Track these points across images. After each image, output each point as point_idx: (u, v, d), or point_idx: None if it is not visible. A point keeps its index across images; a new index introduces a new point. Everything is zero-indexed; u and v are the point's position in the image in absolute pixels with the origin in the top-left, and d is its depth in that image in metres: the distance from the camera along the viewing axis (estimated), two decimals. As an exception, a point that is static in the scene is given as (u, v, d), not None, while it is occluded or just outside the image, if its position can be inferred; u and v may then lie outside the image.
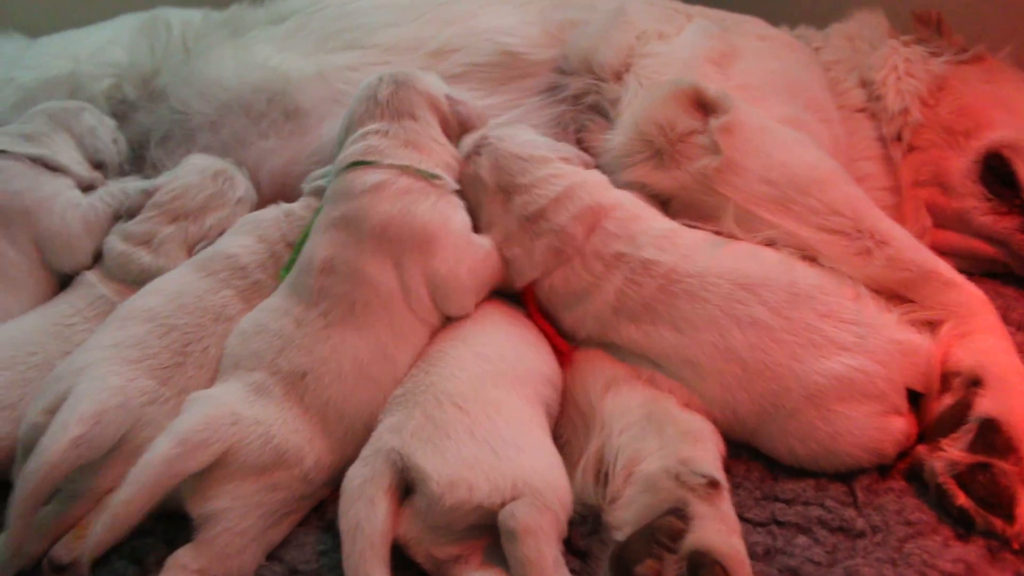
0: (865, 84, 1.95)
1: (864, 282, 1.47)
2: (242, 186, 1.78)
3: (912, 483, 1.35)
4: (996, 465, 1.26)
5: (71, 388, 1.30)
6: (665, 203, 1.62)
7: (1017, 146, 1.86)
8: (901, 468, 1.37)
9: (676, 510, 1.19)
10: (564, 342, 1.51)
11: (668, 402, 1.39)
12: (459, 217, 1.49)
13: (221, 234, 1.66)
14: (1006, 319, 1.59)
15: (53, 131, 1.81)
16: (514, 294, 1.56)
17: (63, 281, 1.70)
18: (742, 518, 1.26)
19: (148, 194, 1.71)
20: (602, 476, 1.32)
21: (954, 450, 1.30)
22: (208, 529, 1.22)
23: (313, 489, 1.32)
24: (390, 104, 1.55)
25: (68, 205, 1.70)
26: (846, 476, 1.36)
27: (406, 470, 1.20)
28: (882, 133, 1.92)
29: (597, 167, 1.64)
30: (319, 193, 1.59)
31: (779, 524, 1.30)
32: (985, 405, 1.33)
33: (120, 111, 2.01)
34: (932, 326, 1.45)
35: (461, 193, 1.53)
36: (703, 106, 1.61)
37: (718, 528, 1.17)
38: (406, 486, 1.21)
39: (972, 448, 1.29)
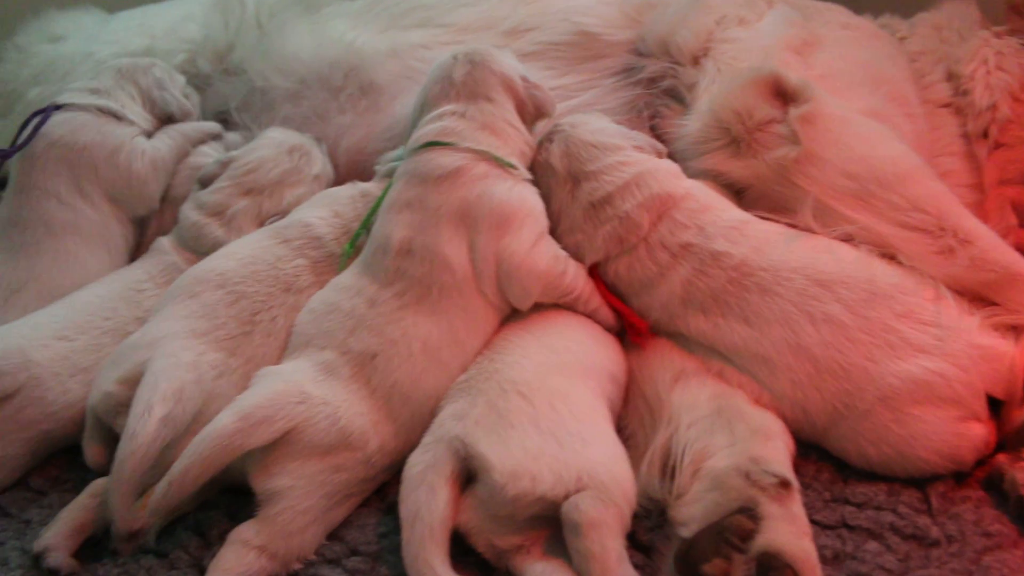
0: (952, 77, 1.88)
1: (945, 282, 1.42)
2: (318, 162, 1.78)
3: (990, 493, 1.31)
4: (1082, 479, 1.22)
5: (145, 361, 1.32)
6: (739, 193, 1.59)
7: (1113, 145, 1.78)
8: (979, 477, 1.33)
9: (746, 509, 1.16)
10: (640, 320, 1.48)
11: (738, 397, 1.37)
12: (536, 201, 1.47)
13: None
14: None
15: (119, 85, 1.86)
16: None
17: (137, 234, 1.78)
18: (811, 520, 1.23)
19: (224, 164, 1.73)
20: (668, 470, 1.30)
21: (1038, 461, 1.25)
22: (271, 506, 1.23)
23: (375, 472, 1.32)
24: (466, 85, 1.53)
25: (133, 152, 1.75)
26: (920, 482, 1.33)
27: (468, 458, 1.20)
28: (967, 129, 1.85)
29: (670, 153, 1.61)
30: (392, 176, 1.58)
31: (849, 528, 1.27)
32: (1072, 415, 1.28)
33: (196, 84, 2.03)
34: (1016, 331, 1.40)
35: (533, 182, 1.51)
36: (783, 95, 1.57)
37: (789, 530, 1.14)
38: (468, 474, 1.21)
39: (1058, 460, 1.24)
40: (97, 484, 1.31)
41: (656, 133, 1.71)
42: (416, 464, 1.21)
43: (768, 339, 1.37)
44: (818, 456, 1.39)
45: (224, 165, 1.72)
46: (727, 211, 1.50)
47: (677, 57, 1.81)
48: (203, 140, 1.85)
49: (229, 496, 1.34)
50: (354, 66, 1.93)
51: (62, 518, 1.28)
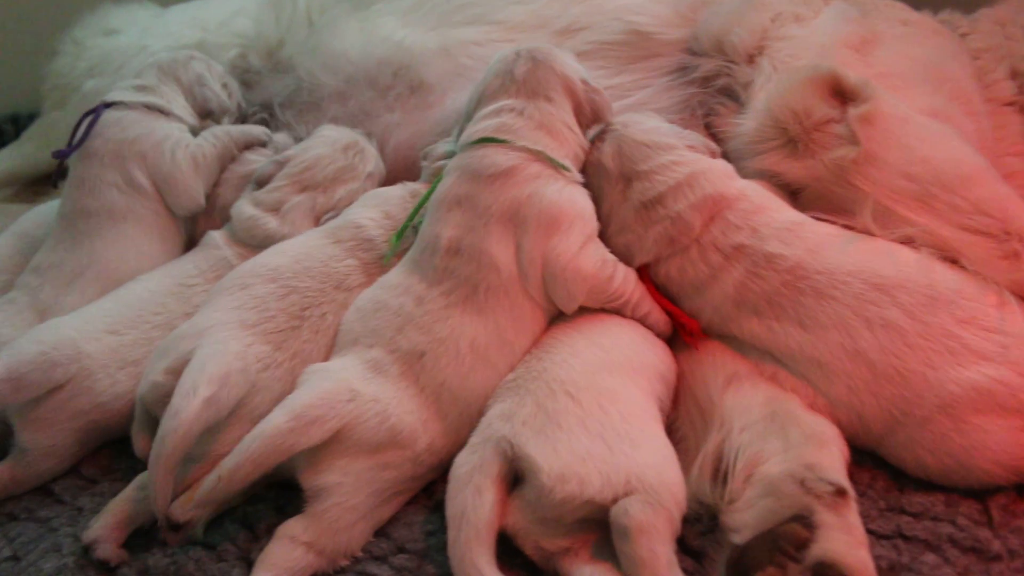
0: (1016, 75, 1.83)
1: (1009, 288, 1.38)
2: (372, 160, 1.80)
3: (1054, 506, 1.27)
4: None
5: (193, 350, 1.33)
6: (794, 194, 1.55)
7: None
8: (1043, 489, 1.29)
9: (801, 517, 1.14)
10: (691, 320, 1.46)
11: (792, 402, 1.34)
12: (586, 204, 1.45)
13: (348, 206, 1.67)
14: None
15: (162, 81, 1.90)
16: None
17: (191, 229, 1.82)
18: (866, 530, 1.19)
19: (280, 164, 1.75)
20: (720, 474, 1.28)
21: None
22: (319, 502, 1.23)
23: (423, 471, 1.32)
24: (527, 82, 1.51)
25: (178, 146, 1.78)
26: (980, 493, 1.29)
27: (516, 460, 1.19)
28: (1033, 128, 1.80)
29: (725, 153, 1.58)
30: (438, 174, 1.57)
31: (905, 539, 1.24)
32: None
33: (246, 80, 2.05)
34: (1084, 340, 1.35)
35: (585, 184, 1.50)
36: (842, 93, 1.53)
37: (846, 539, 1.12)
38: (515, 475, 1.20)
39: None
40: (144, 476, 1.31)
41: (711, 132, 1.69)
42: (463, 464, 1.21)
43: (824, 344, 1.34)
44: (873, 464, 1.35)
45: (280, 165, 1.74)
46: (781, 212, 1.47)
47: (731, 55, 1.78)
48: (249, 145, 1.86)
49: (277, 490, 1.34)
50: (403, 64, 1.93)
51: (110, 510, 1.29)
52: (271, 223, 1.66)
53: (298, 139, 1.89)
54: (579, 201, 1.44)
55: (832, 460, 1.24)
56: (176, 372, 1.32)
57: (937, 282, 1.35)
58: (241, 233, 1.67)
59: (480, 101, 1.54)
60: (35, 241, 1.76)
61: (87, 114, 1.81)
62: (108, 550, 1.25)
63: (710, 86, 1.78)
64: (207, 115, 1.94)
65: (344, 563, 1.23)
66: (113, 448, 1.50)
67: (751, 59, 1.76)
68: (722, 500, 1.25)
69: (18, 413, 1.40)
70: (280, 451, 1.21)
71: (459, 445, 1.27)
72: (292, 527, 1.21)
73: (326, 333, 1.44)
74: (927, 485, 1.31)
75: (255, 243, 1.64)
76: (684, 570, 1.14)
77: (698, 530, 1.25)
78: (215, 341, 1.35)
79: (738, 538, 1.17)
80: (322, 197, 1.69)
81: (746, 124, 1.61)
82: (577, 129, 1.53)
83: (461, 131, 1.55)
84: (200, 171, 1.78)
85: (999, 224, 1.42)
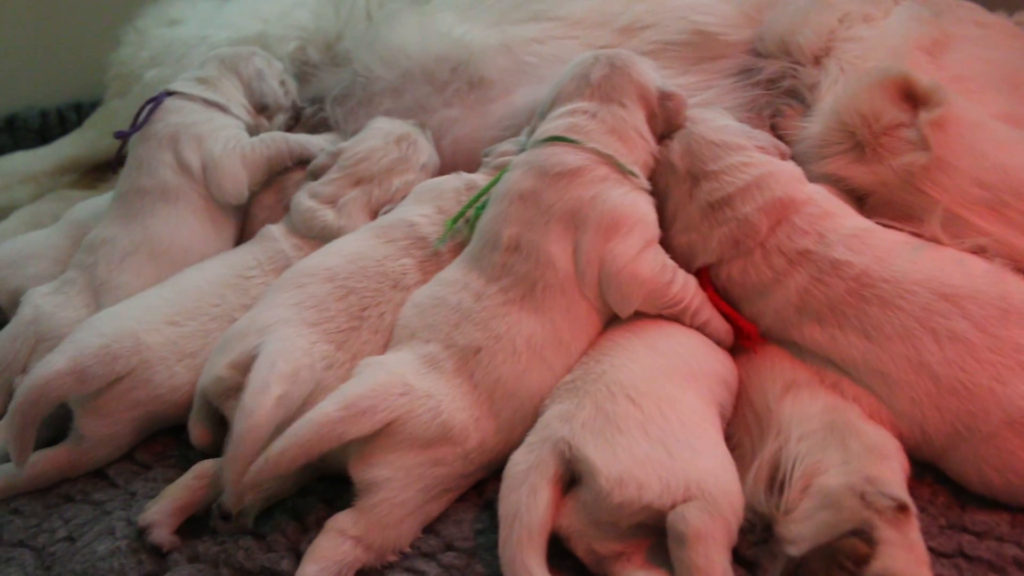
0: (1094, 80, 1.77)
1: (1085, 302, 1.33)
2: (425, 151, 1.80)
3: (1126, 531, 1.22)
4: None
5: (258, 346, 1.33)
6: (861, 199, 1.53)
7: None
8: (1113, 512, 1.25)
9: (860, 532, 1.11)
10: (750, 324, 1.44)
11: (852, 412, 1.31)
12: (648, 210, 1.44)
13: (405, 197, 1.67)
14: None
15: (223, 75, 1.94)
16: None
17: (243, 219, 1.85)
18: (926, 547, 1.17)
19: (334, 156, 1.76)
20: (776, 484, 1.25)
21: None
22: (369, 496, 1.22)
23: (474, 469, 1.31)
24: (602, 87, 1.51)
25: (231, 138, 1.81)
26: (1048, 514, 1.25)
27: (574, 461, 1.17)
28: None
29: (791, 157, 1.55)
30: (500, 169, 1.56)
31: (967, 558, 1.21)
32: None
33: (304, 72, 2.06)
34: None
35: (652, 192, 1.48)
36: (912, 97, 1.51)
37: (907, 557, 1.09)
38: (571, 477, 1.19)
39: None
40: (204, 466, 1.32)
41: (777, 133, 1.66)
42: (519, 463, 1.19)
43: (887, 354, 1.31)
44: (934, 478, 1.32)
45: (334, 156, 1.76)
46: (849, 218, 1.44)
47: (797, 57, 1.75)
48: (301, 158, 1.86)
49: (327, 483, 1.34)
50: (463, 61, 1.93)
51: (167, 495, 1.30)
52: (328, 215, 1.67)
53: (347, 137, 1.90)
54: (642, 207, 1.43)
55: (893, 474, 1.21)
56: (239, 367, 1.32)
57: (1010, 294, 1.32)
58: (300, 225, 1.68)
59: (555, 102, 1.55)
60: (88, 231, 1.77)
61: (149, 101, 1.85)
62: (162, 535, 1.26)
63: (775, 88, 1.75)
64: (262, 110, 1.97)
65: (392, 559, 1.23)
66: (167, 435, 1.51)
67: (817, 60, 1.73)
68: (778, 510, 1.22)
69: (78, 401, 1.42)
70: (328, 439, 1.20)
71: (511, 444, 1.26)
72: (341, 521, 1.21)
73: (385, 333, 1.43)
74: (991, 503, 1.28)
75: (312, 234, 1.65)
76: (738, 580, 1.12)
77: (752, 539, 1.23)
78: (281, 338, 1.35)
79: (794, 550, 1.15)
80: (377, 190, 1.70)
81: (811, 127, 1.59)
82: (649, 136, 1.51)
83: (533, 130, 1.55)
84: (247, 165, 1.79)
85: (1075, 235, 1.38)
